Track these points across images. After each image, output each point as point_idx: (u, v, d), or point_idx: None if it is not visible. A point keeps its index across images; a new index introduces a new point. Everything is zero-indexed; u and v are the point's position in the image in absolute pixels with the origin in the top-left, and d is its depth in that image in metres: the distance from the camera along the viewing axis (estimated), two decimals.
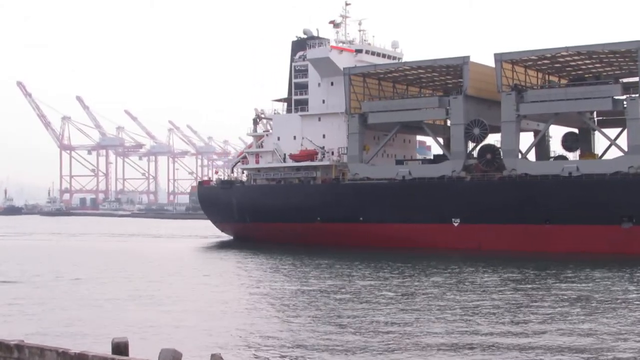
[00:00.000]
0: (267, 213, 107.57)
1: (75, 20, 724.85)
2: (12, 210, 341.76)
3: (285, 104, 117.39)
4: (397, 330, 38.71)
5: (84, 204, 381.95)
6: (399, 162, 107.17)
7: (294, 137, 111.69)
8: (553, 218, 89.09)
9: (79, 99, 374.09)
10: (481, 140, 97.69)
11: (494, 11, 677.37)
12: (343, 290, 54.99)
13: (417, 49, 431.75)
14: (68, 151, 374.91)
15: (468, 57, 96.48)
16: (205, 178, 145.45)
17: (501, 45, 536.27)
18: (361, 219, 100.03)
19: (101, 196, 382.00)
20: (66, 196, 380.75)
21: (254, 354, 33.83)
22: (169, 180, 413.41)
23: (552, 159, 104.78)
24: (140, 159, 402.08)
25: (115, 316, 43.72)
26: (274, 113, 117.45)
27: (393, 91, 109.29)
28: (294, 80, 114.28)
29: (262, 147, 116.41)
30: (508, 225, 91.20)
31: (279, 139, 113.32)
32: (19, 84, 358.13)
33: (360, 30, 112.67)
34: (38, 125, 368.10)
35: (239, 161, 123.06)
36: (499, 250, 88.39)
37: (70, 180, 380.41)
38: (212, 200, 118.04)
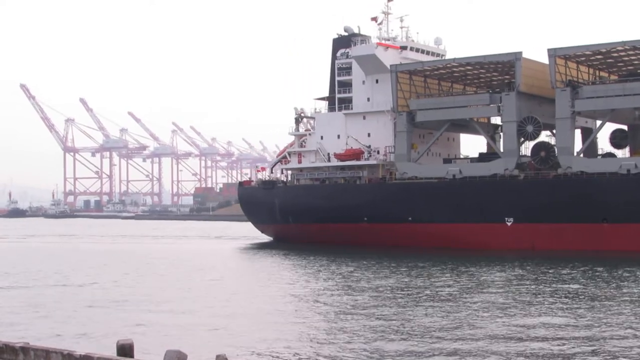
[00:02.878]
0: (311, 214, 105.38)
1: (78, 23, 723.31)
2: (17, 213, 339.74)
3: (327, 102, 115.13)
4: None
5: (88, 206, 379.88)
6: (447, 161, 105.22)
7: (338, 136, 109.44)
8: (611, 217, 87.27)
9: (82, 101, 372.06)
10: (534, 138, 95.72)
11: (522, 7, 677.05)
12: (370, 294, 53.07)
13: (455, 45, 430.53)
14: (72, 153, 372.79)
15: (520, 52, 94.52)
16: (247, 178, 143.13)
17: (536, 41, 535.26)
18: (410, 219, 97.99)
19: (105, 198, 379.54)
20: (70, 198, 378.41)
21: (261, 356, 33.04)
22: (172, 181, 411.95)
23: (599, 157, 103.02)
24: (144, 160, 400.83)
25: (129, 318, 43.12)
26: (315, 112, 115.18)
27: (438, 89, 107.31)
28: (337, 78, 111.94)
29: (304, 146, 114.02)
30: (563, 224, 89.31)
31: (322, 138, 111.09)
32: (23, 86, 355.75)
33: (402, 27, 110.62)
34: (42, 128, 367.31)
35: (278, 161, 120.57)
36: (554, 250, 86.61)
37: (74, 183, 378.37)
38: (253, 201, 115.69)
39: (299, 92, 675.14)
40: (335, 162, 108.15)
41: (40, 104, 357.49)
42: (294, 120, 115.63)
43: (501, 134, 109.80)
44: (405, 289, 54.68)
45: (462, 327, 38.62)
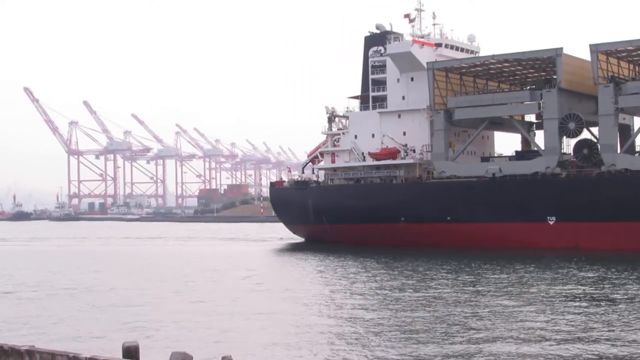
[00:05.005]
0: (346, 214, 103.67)
1: (79, 25, 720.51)
2: (21, 216, 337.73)
3: (359, 101, 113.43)
4: None
5: (92, 209, 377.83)
6: (485, 159, 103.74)
7: (372, 135, 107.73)
8: None
9: (86, 103, 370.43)
10: (576, 135, 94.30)
11: (546, 4, 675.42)
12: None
13: (485, 42, 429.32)
14: (76, 156, 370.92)
15: (561, 48, 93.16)
16: (277, 179, 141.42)
17: (561, 37, 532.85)
18: (449, 218, 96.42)
19: (109, 200, 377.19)
20: (74, 201, 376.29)
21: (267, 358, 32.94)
22: (177, 183, 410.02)
23: (637, 154, 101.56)
24: (148, 162, 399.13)
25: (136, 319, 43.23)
26: (347, 111, 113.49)
27: (474, 86, 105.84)
28: (370, 77, 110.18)
29: (337, 145, 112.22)
30: (608, 223, 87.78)
31: (356, 137, 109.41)
32: (26, 89, 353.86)
33: (434, 24, 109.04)
34: (45, 131, 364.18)
35: (309, 161, 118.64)
36: (599, 249, 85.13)
37: (78, 185, 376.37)
38: (285, 202, 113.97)
39: (300, 92, 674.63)
40: (370, 162, 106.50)
41: (44, 106, 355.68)
42: (326, 119, 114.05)
43: (536, 131, 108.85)
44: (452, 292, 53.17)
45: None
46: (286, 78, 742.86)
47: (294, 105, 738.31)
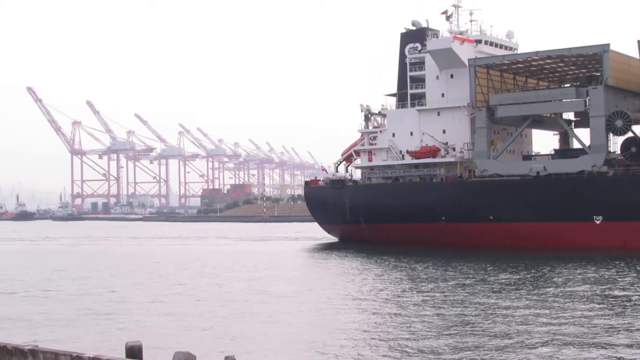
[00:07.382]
0: (385, 213, 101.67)
1: (83, 26, 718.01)
2: (25, 216, 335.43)
3: (396, 98, 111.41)
4: None
5: (96, 209, 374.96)
6: (526, 158, 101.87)
7: (411, 133, 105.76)
8: None
9: (89, 103, 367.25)
10: (624, 133, 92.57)
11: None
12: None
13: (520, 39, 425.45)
14: (79, 156, 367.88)
15: (608, 44, 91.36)
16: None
17: (591, 34, 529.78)
18: (491, 217, 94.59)
19: (113, 200, 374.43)
20: (78, 201, 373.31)
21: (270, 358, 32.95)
22: (180, 183, 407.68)
23: None
24: (151, 162, 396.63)
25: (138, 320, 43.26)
26: (383, 108, 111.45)
27: (514, 83, 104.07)
28: (409, 74, 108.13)
29: (374, 144, 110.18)
30: None
31: (394, 135, 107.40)
32: (29, 89, 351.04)
33: (471, 21, 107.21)
34: (49, 131, 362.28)
35: (343, 160, 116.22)
36: None
37: (81, 185, 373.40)
38: (321, 201, 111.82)
39: (302, 92, 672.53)
40: (409, 160, 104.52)
41: (47, 106, 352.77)
42: (363, 117, 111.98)
43: (574, 129, 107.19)
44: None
45: None
46: (289, 78, 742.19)
47: (297, 105, 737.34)
